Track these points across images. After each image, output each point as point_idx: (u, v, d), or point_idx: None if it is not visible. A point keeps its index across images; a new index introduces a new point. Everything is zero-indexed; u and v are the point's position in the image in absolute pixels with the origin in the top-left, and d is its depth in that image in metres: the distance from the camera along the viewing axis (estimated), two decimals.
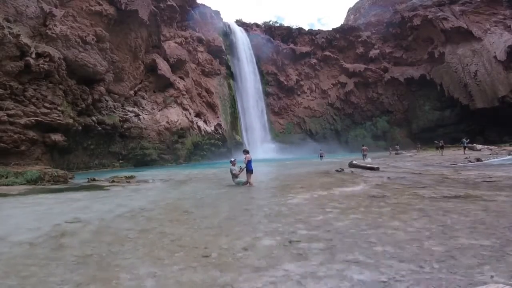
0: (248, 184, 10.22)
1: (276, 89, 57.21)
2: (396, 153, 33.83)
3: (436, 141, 33.61)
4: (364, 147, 25.68)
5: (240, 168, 10.52)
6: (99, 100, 27.42)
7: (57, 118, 21.20)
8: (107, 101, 28.56)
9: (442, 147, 28.01)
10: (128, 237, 4.37)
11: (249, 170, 10.27)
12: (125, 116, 30.18)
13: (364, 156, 24.14)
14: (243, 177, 10.48)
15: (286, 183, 10.79)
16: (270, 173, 16.72)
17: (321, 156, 28.81)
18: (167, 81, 35.90)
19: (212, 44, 46.77)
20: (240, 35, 53.03)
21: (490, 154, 22.28)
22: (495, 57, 38.82)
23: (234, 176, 10.59)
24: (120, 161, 30.09)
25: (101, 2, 27.08)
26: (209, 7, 49.31)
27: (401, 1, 53.21)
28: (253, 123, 50.35)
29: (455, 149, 32.55)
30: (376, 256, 3.19)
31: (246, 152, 10.64)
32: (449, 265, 2.89)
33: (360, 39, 54.32)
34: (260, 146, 48.53)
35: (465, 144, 26.13)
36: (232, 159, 11.16)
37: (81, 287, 2.76)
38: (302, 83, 57.13)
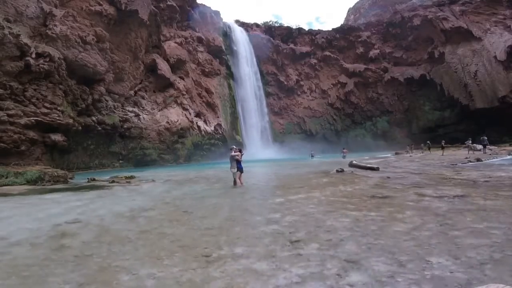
0: (237, 184, 10.08)
1: (276, 89, 57.18)
2: (396, 153, 33.76)
3: (428, 142, 33.54)
4: (344, 150, 30.91)
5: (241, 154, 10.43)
6: (99, 100, 27.43)
7: (57, 118, 21.21)
8: (107, 101, 28.56)
9: (443, 147, 27.73)
10: (128, 237, 4.37)
11: (239, 169, 10.19)
12: (125, 116, 30.19)
13: (344, 157, 28.36)
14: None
15: (286, 183, 10.79)
16: (270, 173, 16.73)
17: (312, 156, 34.39)
18: (167, 81, 35.90)
19: (212, 44, 46.75)
20: (240, 35, 53.00)
21: (490, 154, 22.26)
22: (495, 57, 38.77)
23: (234, 162, 10.26)
24: (120, 161, 30.10)
25: (101, 2, 27.08)
26: (209, 7, 49.31)
27: (401, 1, 53.13)
28: (253, 123, 50.32)
29: (454, 149, 32.52)
30: (374, 253, 3.19)
31: (236, 149, 10.57)
32: (448, 264, 2.89)
33: (360, 39, 54.26)
34: (260, 146, 48.50)
35: (486, 143, 24.08)
36: (234, 146, 11.25)
37: (82, 287, 2.76)
38: (302, 83, 57.08)
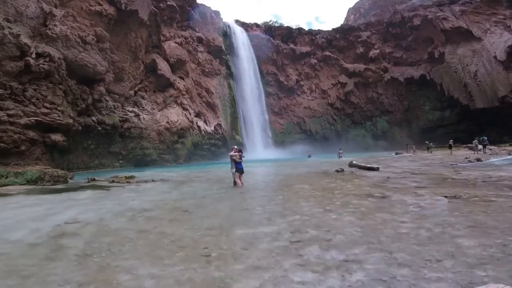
0: (237, 184, 10.01)
1: (276, 89, 57.17)
2: (396, 153, 33.73)
3: (427, 142, 33.47)
4: (340, 150, 30.65)
5: (240, 156, 10.30)
6: (99, 100, 27.43)
7: (57, 118, 21.21)
8: (107, 101, 28.56)
9: (450, 147, 27.34)
10: (128, 237, 4.37)
11: (239, 169, 10.11)
12: (125, 116, 30.18)
13: (340, 157, 28.70)
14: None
15: (287, 183, 10.79)
16: (270, 173, 16.73)
17: (309, 156, 35.69)
18: (167, 81, 35.91)
19: (212, 44, 46.74)
20: (240, 35, 52.97)
21: (490, 154, 22.25)
22: (495, 57, 38.76)
23: (234, 163, 10.21)
24: (120, 161, 30.10)
25: (101, 2, 27.08)
26: (209, 7, 49.28)
27: (401, 1, 53.17)
28: (253, 123, 50.31)
29: (455, 149, 32.44)
30: (380, 253, 3.19)
31: (236, 149, 10.52)
32: (449, 264, 2.89)
33: (360, 39, 54.23)
34: (260, 146, 48.52)
35: (486, 142, 24.18)
36: (236, 146, 11.14)
37: (81, 287, 2.76)
38: (302, 83, 57.06)
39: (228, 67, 50.20)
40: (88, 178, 14.56)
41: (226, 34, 51.78)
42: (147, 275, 2.94)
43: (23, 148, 18.97)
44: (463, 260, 2.99)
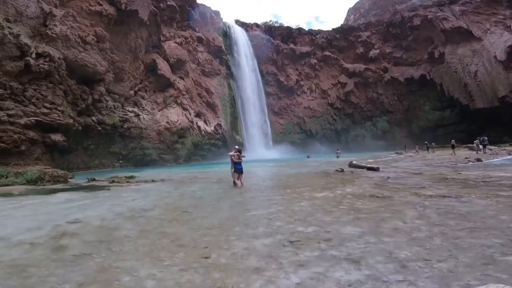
0: (236, 185, 9.91)
1: (276, 89, 57.20)
2: (396, 153, 33.75)
3: (426, 142, 33.43)
4: (338, 151, 32.91)
5: (239, 156, 10.18)
6: (99, 100, 27.45)
7: (57, 118, 21.23)
8: (107, 101, 28.58)
9: (453, 147, 27.26)
10: (128, 237, 4.37)
11: (238, 169, 10.00)
12: (125, 116, 30.20)
13: (337, 157, 29.84)
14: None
15: (286, 183, 10.78)
16: (270, 173, 16.72)
17: (308, 156, 36.90)
18: (167, 81, 35.93)
19: (212, 44, 46.76)
20: (240, 35, 53.01)
21: (490, 154, 22.25)
22: (495, 57, 38.78)
23: (232, 162, 10.17)
24: (120, 161, 30.12)
25: (101, 2, 27.09)
26: (209, 7, 49.34)
27: (401, 1, 53.17)
28: (253, 123, 50.34)
29: (455, 149, 32.36)
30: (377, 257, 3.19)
31: (236, 149, 10.40)
32: (450, 264, 2.89)
33: (360, 39, 54.25)
34: (260, 146, 48.53)
35: (486, 142, 24.28)
36: (237, 146, 11.05)
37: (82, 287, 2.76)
38: (302, 83, 57.10)
39: (228, 67, 50.22)
40: (88, 178, 14.57)
41: (226, 34, 51.81)
42: (148, 276, 2.95)
43: (23, 148, 18.98)
44: (464, 260, 3.00)
